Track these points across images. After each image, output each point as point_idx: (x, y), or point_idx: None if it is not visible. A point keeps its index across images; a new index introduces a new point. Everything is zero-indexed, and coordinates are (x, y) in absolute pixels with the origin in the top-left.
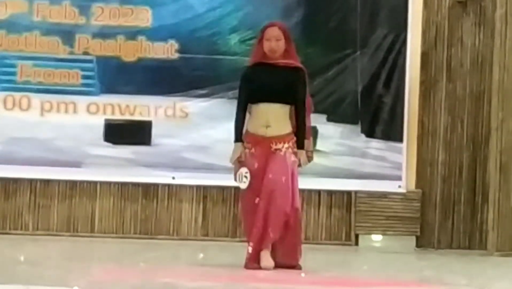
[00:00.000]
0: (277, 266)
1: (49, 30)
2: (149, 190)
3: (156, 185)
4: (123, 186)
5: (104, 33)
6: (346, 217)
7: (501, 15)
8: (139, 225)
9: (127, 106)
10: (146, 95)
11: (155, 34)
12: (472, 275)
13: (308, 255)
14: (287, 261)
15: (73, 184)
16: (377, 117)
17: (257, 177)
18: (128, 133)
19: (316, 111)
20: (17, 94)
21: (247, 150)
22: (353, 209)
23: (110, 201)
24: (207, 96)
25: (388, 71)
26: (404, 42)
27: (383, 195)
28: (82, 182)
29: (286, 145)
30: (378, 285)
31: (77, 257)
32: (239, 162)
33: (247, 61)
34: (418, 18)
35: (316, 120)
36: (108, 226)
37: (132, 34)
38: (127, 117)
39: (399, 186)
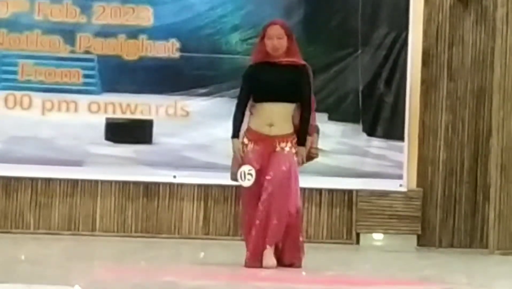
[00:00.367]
0: (279, 265)
1: (50, 29)
2: (150, 189)
3: (157, 184)
4: (124, 184)
5: (105, 32)
6: (347, 215)
7: (502, 14)
8: (140, 223)
9: (128, 105)
10: (147, 94)
11: (156, 33)
12: (473, 274)
13: (309, 254)
14: (289, 260)
15: (74, 182)
16: (378, 116)
17: (259, 174)
18: (129, 132)
19: (318, 110)
20: (18, 93)
21: (249, 146)
22: (354, 208)
23: (111, 200)
24: (208, 95)
25: (389, 70)
26: (405, 41)
27: (384, 194)
28: (83, 181)
29: (289, 144)
30: (379, 284)
31: (78, 255)
32: (240, 159)
33: (249, 59)
34: (419, 17)
35: (318, 119)
36: (109, 225)
37: (133, 33)
38: (128, 116)
39: (400, 185)
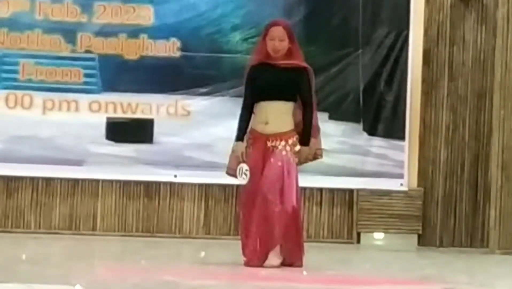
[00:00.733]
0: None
1: (51, 28)
2: (151, 188)
3: (158, 183)
4: (125, 184)
5: (106, 32)
6: (348, 215)
7: (503, 13)
8: (141, 223)
9: (129, 104)
10: (148, 93)
11: (157, 32)
12: (474, 273)
13: (310, 253)
14: (289, 259)
15: (75, 182)
16: (379, 115)
17: (254, 175)
18: (130, 131)
19: (318, 109)
20: (19, 93)
21: (250, 148)
22: (355, 207)
23: (112, 199)
24: (209, 95)
25: (390, 70)
26: (406, 41)
27: (385, 193)
28: (84, 180)
29: (283, 143)
30: (380, 283)
31: (79, 255)
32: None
33: (250, 58)
34: (420, 16)
35: (318, 118)
36: (110, 224)
37: (134, 32)
38: (129, 115)
39: (401, 184)
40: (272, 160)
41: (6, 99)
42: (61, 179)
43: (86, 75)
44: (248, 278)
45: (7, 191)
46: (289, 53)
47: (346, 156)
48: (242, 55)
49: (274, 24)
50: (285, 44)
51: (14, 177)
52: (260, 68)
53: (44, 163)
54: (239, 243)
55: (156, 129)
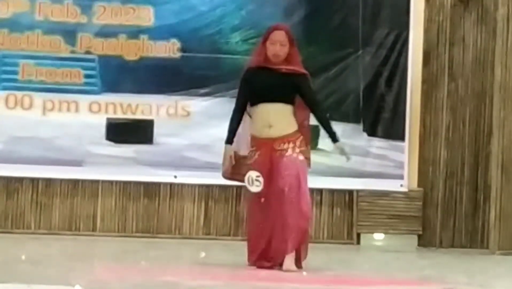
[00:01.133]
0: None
1: (51, 29)
2: (151, 189)
3: (158, 184)
4: (125, 185)
5: (106, 32)
6: (348, 215)
7: (502, 14)
8: (141, 223)
9: (129, 105)
10: (148, 94)
11: (157, 33)
12: (473, 274)
13: (310, 254)
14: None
15: (75, 182)
16: (379, 116)
17: (264, 181)
18: (130, 132)
19: None
20: (19, 93)
21: (255, 153)
22: (355, 208)
23: (112, 200)
24: (209, 95)
25: (390, 70)
26: (406, 41)
27: (385, 194)
28: (84, 181)
29: (291, 145)
30: (380, 284)
31: (79, 255)
32: (250, 164)
33: (249, 60)
34: (420, 17)
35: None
36: (110, 225)
37: (134, 33)
38: (129, 116)
39: (401, 185)
40: (283, 163)
41: (6, 100)
42: (61, 180)
43: (86, 76)
44: (248, 279)
45: (7, 191)
46: (288, 58)
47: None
48: (242, 56)
49: (276, 28)
50: (286, 49)
51: (14, 178)
52: (257, 71)
53: (44, 164)
54: (239, 243)
55: (156, 130)
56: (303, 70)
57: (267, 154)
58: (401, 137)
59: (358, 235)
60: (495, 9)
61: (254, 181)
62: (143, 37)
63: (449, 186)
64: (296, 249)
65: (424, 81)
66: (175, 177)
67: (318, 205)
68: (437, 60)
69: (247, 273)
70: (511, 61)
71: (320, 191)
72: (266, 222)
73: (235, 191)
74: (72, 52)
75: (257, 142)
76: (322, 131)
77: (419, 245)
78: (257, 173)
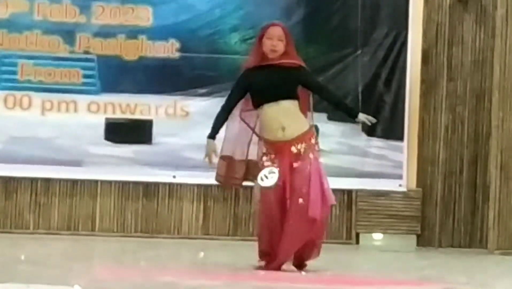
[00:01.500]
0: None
1: (50, 29)
2: (149, 189)
3: (156, 184)
4: (123, 184)
5: (104, 32)
6: (347, 215)
7: (501, 14)
8: (139, 223)
9: (128, 105)
10: (146, 94)
11: (156, 33)
12: (472, 274)
13: None
14: (297, 260)
15: (74, 182)
16: (377, 116)
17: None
18: (128, 132)
19: (317, 110)
20: (18, 93)
21: (268, 157)
22: (353, 208)
23: (110, 200)
24: (207, 95)
25: (389, 70)
26: (405, 41)
27: (384, 194)
28: (83, 181)
29: (304, 145)
30: (378, 283)
31: (78, 255)
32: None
33: (246, 60)
34: (419, 17)
35: (317, 119)
36: (109, 225)
37: (133, 33)
38: (128, 116)
39: (400, 185)
40: (299, 165)
41: (5, 100)
42: (60, 180)
43: (85, 76)
44: (247, 278)
45: (6, 191)
46: (285, 55)
47: (345, 157)
48: (240, 56)
49: (273, 24)
50: (283, 45)
51: (13, 178)
52: (255, 71)
53: (43, 164)
54: (238, 243)
55: (155, 130)
56: (301, 63)
57: (286, 157)
58: (400, 137)
59: (357, 235)
60: (494, 9)
61: (264, 177)
62: (142, 37)
63: (448, 186)
64: (299, 254)
65: (423, 81)
66: (174, 176)
67: None
68: (436, 60)
69: (246, 273)
70: (510, 61)
71: None
72: (278, 220)
73: (234, 191)
74: (71, 52)
75: (272, 146)
76: (320, 132)
77: (418, 245)
78: (269, 169)
